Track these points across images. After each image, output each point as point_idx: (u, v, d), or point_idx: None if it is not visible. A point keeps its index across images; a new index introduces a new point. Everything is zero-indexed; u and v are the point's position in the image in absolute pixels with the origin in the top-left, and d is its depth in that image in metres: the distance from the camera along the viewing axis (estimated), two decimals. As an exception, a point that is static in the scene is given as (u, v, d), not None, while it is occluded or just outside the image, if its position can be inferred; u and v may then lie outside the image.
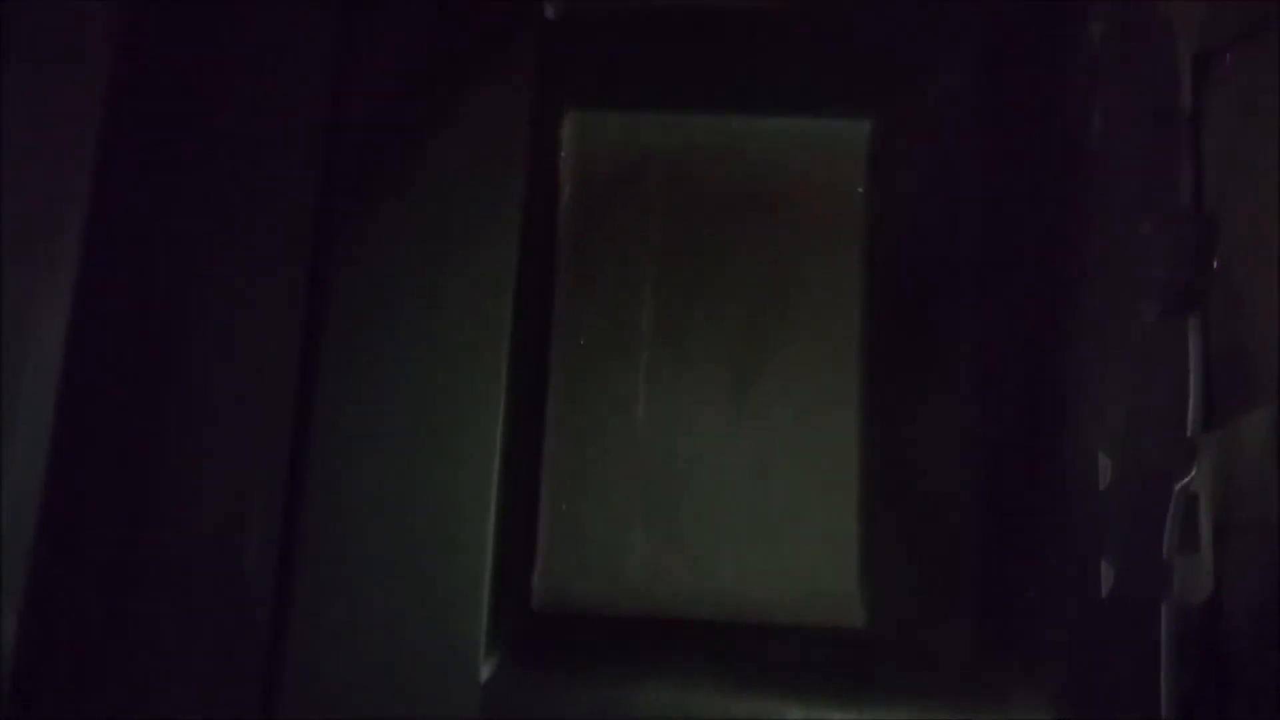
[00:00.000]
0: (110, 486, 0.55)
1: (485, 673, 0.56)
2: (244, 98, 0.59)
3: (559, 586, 0.65)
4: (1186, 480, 0.44)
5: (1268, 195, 0.46)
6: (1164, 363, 0.46)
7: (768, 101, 0.69)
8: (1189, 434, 0.45)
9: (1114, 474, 0.49)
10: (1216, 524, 0.47)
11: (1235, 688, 0.48)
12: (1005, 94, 0.61)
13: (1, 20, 0.56)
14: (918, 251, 0.66)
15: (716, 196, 0.70)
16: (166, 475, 0.55)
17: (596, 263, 0.69)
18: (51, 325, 0.55)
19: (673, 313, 0.68)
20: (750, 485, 0.66)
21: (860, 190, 0.70)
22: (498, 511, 0.57)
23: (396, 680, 0.55)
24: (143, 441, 0.56)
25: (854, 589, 0.65)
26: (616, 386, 0.67)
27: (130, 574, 0.55)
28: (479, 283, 0.59)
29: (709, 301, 0.68)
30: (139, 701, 0.53)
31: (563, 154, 0.70)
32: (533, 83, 0.60)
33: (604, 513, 0.66)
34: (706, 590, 0.66)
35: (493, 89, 0.60)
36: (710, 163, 0.70)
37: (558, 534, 0.66)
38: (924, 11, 0.62)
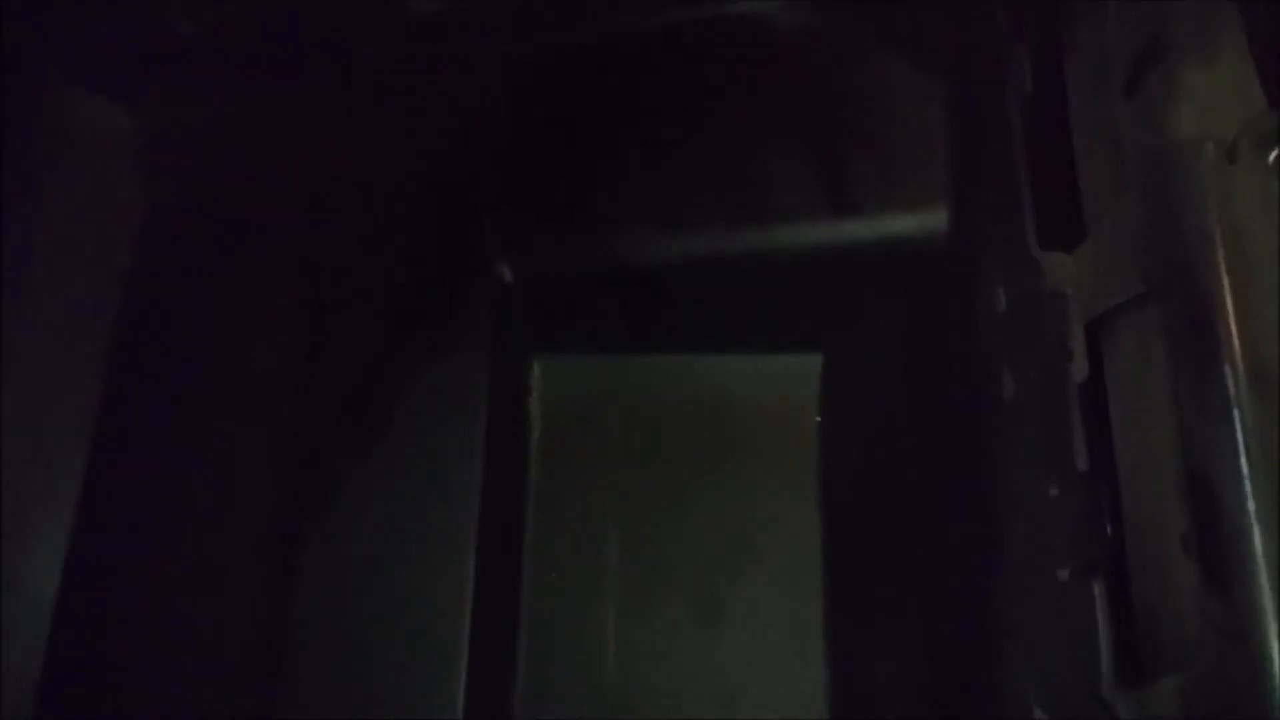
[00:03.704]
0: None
1: None
2: (222, 347, 0.66)
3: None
4: (1104, 740, 0.45)
5: (1166, 460, 0.48)
6: (1076, 623, 0.47)
7: (723, 340, 0.73)
8: (1104, 694, 0.46)
9: (1043, 726, 0.50)
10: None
11: None
12: (932, 342, 0.65)
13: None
14: (867, 485, 0.68)
15: (679, 433, 0.73)
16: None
17: (565, 500, 0.72)
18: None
19: (640, 549, 0.71)
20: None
21: (817, 420, 0.72)
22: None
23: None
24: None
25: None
26: (587, 622, 0.69)
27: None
28: (444, 525, 0.62)
29: (675, 537, 0.71)
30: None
31: (532, 397, 0.74)
32: (491, 337, 0.65)
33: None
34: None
35: (452, 347, 0.65)
36: (672, 400, 0.74)
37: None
38: (857, 256, 0.66)
